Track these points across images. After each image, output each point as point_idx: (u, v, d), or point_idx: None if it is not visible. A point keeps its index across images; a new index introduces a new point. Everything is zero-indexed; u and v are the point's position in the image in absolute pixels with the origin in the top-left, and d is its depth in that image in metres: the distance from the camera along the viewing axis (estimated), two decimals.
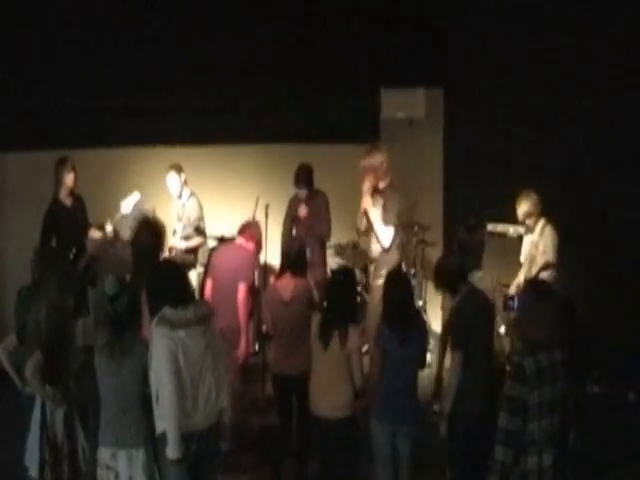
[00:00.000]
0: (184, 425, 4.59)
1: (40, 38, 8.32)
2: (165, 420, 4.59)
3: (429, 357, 8.42)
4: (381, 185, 7.39)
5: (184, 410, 4.59)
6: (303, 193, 7.87)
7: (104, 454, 4.72)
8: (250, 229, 6.83)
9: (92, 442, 4.92)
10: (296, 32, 9.22)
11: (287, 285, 6.03)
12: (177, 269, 5.01)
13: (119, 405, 4.68)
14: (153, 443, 4.72)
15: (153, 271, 5.02)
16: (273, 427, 6.33)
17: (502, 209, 7.53)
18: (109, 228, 7.17)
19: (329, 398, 5.41)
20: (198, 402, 4.66)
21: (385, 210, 7.33)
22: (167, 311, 4.64)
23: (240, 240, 6.78)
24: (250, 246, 6.75)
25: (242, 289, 6.45)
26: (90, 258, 6.61)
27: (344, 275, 5.67)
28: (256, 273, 8.09)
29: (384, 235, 7.29)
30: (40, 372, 4.97)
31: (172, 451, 4.59)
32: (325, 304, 5.61)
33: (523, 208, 7.27)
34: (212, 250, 7.97)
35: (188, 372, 4.61)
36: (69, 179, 7.62)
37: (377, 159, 7.38)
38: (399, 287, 5.41)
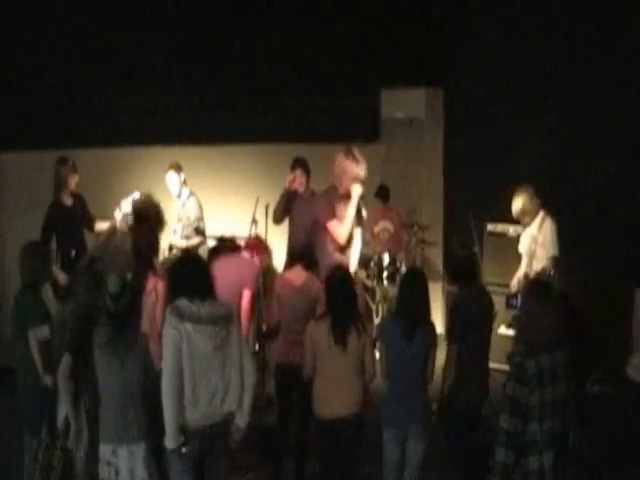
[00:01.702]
0: (180, 418, 4.59)
1: (40, 38, 8.32)
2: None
3: None
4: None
5: (180, 402, 4.58)
6: (303, 180, 7.79)
7: (105, 450, 4.73)
8: (255, 248, 6.83)
9: (94, 439, 4.89)
10: (296, 32, 9.23)
11: (299, 275, 6.07)
12: (200, 264, 4.98)
13: (121, 402, 4.69)
14: (154, 437, 4.74)
15: (176, 263, 5.02)
16: (273, 427, 6.32)
17: (502, 209, 7.53)
18: (119, 216, 7.13)
19: (344, 396, 5.34)
20: (199, 400, 4.64)
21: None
22: (180, 302, 4.65)
23: (247, 254, 6.80)
24: (255, 260, 6.78)
25: (247, 295, 6.43)
26: (91, 258, 6.60)
27: (341, 273, 5.65)
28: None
29: (356, 237, 7.32)
30: (71, 376, 4.93)
31: (168, 441, 4.60)
32: (329, 306, 5.52)
33: (518, 204, 7.19)
34: (212, 250, 7.96)
35: (190, 367, 4.59)
36: (72, 181, 7.62)
37: (364, 165, 7.37)
38: (414, 284, 5.41)
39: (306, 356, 5.44)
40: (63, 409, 5.00)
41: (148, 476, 4.75)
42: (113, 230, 7.00)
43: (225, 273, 6.36)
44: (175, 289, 4.75)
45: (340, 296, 5.44)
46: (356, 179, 7.13)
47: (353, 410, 5.37)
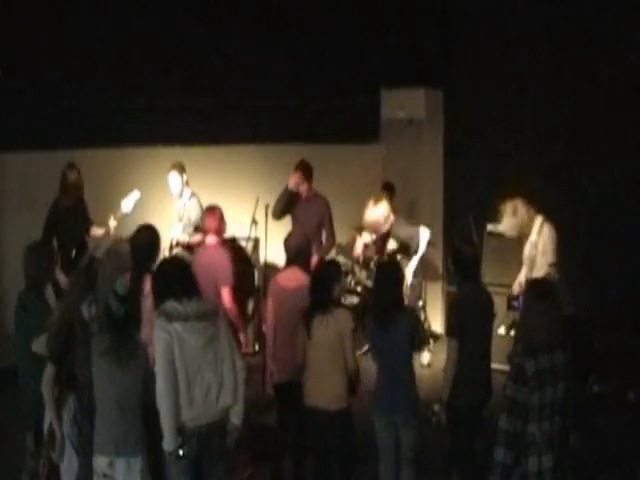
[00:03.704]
0: (177, 419, 4.59)
1: (40, 38, 8.32)
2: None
3: (429, 357, 8.45)
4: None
5: (176, 403, 4.58)
6: (305, 187, 7.84)
7: (101, 462, 4.66)
8: (212, 222, 6.71)
9: (87, 450, 4.82)
10: (296, 32, 9.23)
11: (290, 276, 6.02)
12: (182, 264, 4.99)
13: (120, 411, 4.63)
14: (152, 448, 4.71)
15: (159, 266, 5.05)
16: (273, 426, 6.32)
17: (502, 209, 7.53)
18: (112, 224, 7.20)
19: (323, 389, 5.39)
20: (195, 398, 4.64)
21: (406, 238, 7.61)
22: (168, 304, 4.66)
23: (211, 239, 6.71)
24: (224, 245, 6.77)
25: (226, 293, 6.41)
26: (91, 258, 6.59)
27: (327, 268, 5.70)
28: (255, 272, 8.11)
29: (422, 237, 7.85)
30: (54, 385, 4.89)
31: (166, 443, 4.60)
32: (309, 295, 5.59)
33: (517, 221, 7.12)
34: None
35: (183, 366, 4.60)
36: (75, 187, 7.65)
37: (382, 212, 7.57)
38: (382, 275, 5.51)
39: (298, 344, 5.53)
40: (48, 418, 4.96)
41: None
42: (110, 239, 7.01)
43: (198, 269, 6.29)
44: (161, 292, 4.77)
45: (315, 288, 5.48)
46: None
47: (337, 404, 5.40)
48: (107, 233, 7.21)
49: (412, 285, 7.91)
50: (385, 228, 7.81)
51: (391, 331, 5.32)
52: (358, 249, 8.37)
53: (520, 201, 7.03)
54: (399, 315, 5.37)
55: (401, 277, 5.69)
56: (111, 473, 4.64)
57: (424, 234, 7.86)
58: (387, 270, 5.62)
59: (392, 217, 7.82)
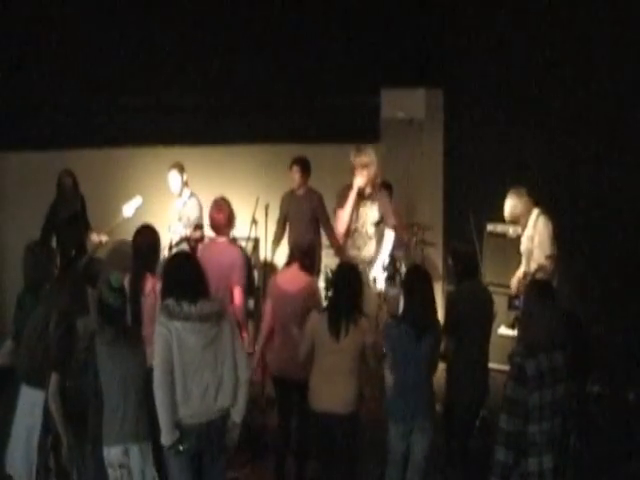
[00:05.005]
0: (174, 415, 4.62)
1: (40, 38, 8.32)
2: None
3: None
4: (369, 189, 7.44)
5: (172, 399, 4.61)
6: (297, 176, 7.84)
7: (115, 453, 4.71)
8: (221, 218, 6.52)
9: (93, 444, 4.85)
10: (296, 32, 9.23)
11: (292, 278, 5.97)
12: (191, 265, 4.95)
13: (136, 396, 4.72)
14: (156, 443, 4.76)
15: (167, 263, 5.06)
16: (274, 427, 6.31)
17: (502, 209, 7.53)
18: (103, 238, 7.21)
19: (336, 393, 5.36)
20: (191, 396, 4.66)
21: (384, 213, 7.44)
22: (170, 301, 4.69)
23: (222, 239, 6.57)
24: (236, 244, 6.73)
25: (238, 293, 6.32)
26: (90, 258, 6.60)
27: (350, 269, 5.63)
28: (255, 272, 8.10)
29: (387, 238, 7.54)
30: (61, 394, 4.92)
31: (164, 438, 4.64)
32: (331, 298, 5.55)
33: (508, 207, 7.14)
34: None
35: (181, 364, 4.63)
36: (72, 194, 7.66)
37: (370, 157, 7.43)
38: (420, 282, 5.38)
39: (302, 343, 5.47)
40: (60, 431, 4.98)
41: (158, 477, 4.77)
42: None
43: (208, 263, 6.20)
44: (166, 289, 4.79)
45: (340, 292, 5.43)
46: (356, 168, 7.23)
47: (347, 408, 5.38)
48: (99, 245, 7.22)
49: (392, 296, 7.67)
50: (375, 171, 7.48)
51: (423, 341, 5.24)
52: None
53: (515, 191, 7.12)
54: (431, 324, 5.33)
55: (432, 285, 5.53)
56: (127, 462, 4.71)
57: (389, 235, 7.67)
58: (419, 278, 5.45)
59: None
